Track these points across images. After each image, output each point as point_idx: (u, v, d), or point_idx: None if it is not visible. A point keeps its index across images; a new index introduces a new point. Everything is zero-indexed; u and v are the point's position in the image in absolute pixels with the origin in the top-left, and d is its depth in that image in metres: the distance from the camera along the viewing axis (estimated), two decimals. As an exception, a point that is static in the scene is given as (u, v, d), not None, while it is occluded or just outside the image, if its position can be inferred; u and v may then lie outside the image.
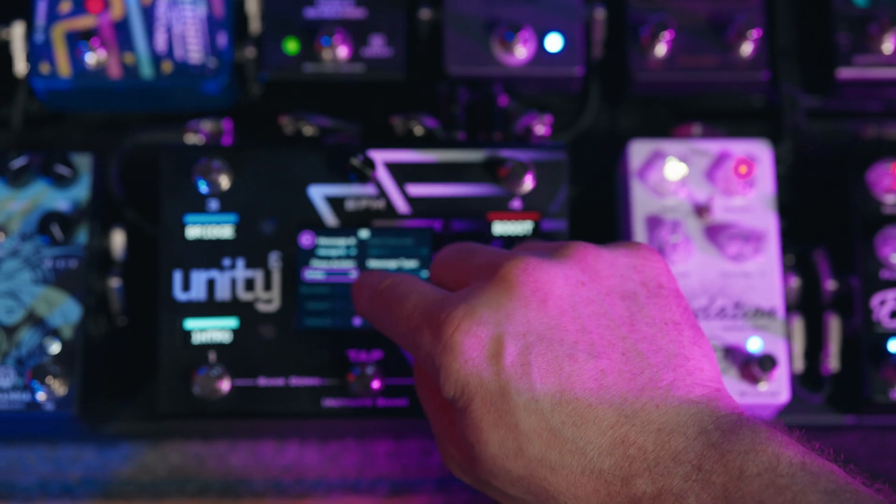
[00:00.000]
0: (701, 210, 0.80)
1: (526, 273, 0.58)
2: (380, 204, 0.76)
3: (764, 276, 0.79)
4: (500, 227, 0.76)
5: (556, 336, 0.57)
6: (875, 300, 0.79)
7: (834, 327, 0.81)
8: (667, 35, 0.83)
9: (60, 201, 0.79)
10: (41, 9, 0.85)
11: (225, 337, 0.75)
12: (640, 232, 0.80)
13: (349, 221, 0.76)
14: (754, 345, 0.78)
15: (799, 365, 0.82)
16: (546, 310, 0.58)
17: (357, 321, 0.75)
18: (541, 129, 0.81)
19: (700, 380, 0.57)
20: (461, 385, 0.57)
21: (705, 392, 0.57)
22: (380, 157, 0.76)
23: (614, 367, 0.57)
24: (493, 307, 0.58)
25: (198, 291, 0.75)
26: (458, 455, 0.61)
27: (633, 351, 0.57)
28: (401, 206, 0.76)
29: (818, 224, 0.86)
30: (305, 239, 0.76)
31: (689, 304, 0.62)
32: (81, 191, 0.79)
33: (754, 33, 0.83)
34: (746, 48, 0.84)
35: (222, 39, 0.85)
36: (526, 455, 0.56)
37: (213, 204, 0.76)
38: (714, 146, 0.81)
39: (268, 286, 0.75)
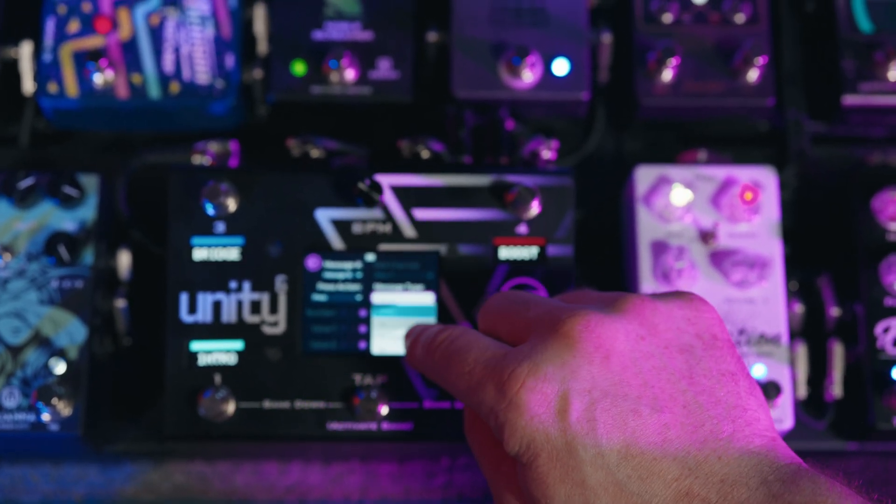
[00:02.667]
0: (706, 236, 0.80)
1: (588, 329, 0.59)
2: (386, 228, 0.76)
3: (768, 302, 0.79)
4: (506, 252, 0.76)
5: (620, 391, 0.58)
6: (879, 328, 0.80)
7: (837, 354, 0.82)
8: (673, 61, 0.84)
9: (67, 222, 0.79)
10: (49, 28, 0.85)
11: (231, 359, 0.75)
12: (645, 258, 0.80)
13: (355, 245, 0.76)
14: (758, 371, 0.78)
15: (802, 391, 0.82)
16: (609, 366, 0.58)
17: (363, 345, 0.75)
18: (547, 153, 0.81)
19: (758, 430, 0.58)
20: (527, 441, 0.58)
21: (764, 442, 0.58)
22: (386, 181, 0.76)
23: (677, 421, 0.57)
24: (557, 364, 0.58)
25: (204, 314, 0.76)
26: None
27: (693, 404, 0.58)
28: (407, 230, 0.76)
29: (823, 249, 0.86)
30: (312, 262, 0.76)
31: (740, 353, 0.62)
32: (88, 211, 0.79)
33: (760, 60, 0.84)
34: (752, 74, 0.85)
35: (230, 61, 0.85)
36: None
37: (220, 226, 0.76)
38: (719, 172, 0.82)
39: (274, 309, 0.76)
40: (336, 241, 0.76)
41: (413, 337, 0.69)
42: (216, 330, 0.75)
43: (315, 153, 0.81)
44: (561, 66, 0.85)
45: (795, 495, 0.54)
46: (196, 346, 0.75)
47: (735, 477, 0.56)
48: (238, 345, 0.75)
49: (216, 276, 0.76)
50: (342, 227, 0.76)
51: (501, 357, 0.60)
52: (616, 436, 0.57)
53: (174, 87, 0.84)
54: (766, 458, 0.57)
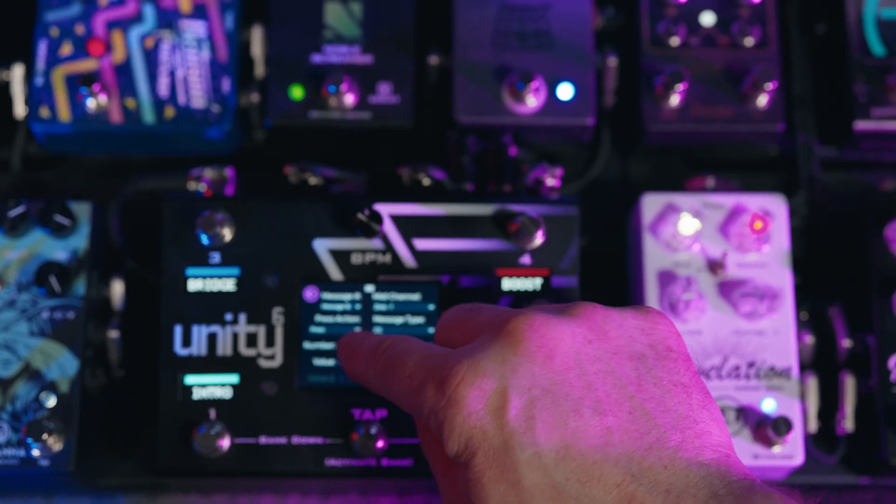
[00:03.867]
0: (714, 266, 0.78)
1: (532, 328, 0.57)
2: (386, 258, 0.74)
3: (778, 334, 0.77)
4: (509, 284, 0.74)
5: (561, 391, 0.56)
6: (892, 360, 0.78)
7: (849, 387, 0.80)
8: (681, 85, 0.82)
9: (58, 251, 0.77)
10: (41, 51, 0.83)
11: (226, 393, 0.73)
12: (652, 288, 0.78)
13: (354, 276, 0.74)
14: (768, 406, 0.76)
15: (813, 425, 0.80)
16: (552, 365, 0.56)
17: (361, 379, 0.73)
18: (551, 181, 0.79)
19: (709, 443, 0.56)
20: (464, 439, 0.56)
21: (715, 456, 0.55)
22: (386, 210, 0.74)
23: (620, 425, 0.55)
24: (497, 361, 0.57)
25: (198, 346, 0.74)
26: None
27: (640, 410, 0.56)
28: (408, 260, 0.74)
29: (834, 278, 0.84)
30: (309, 293, 0.74)
31: (697, 368, 0.60)
32: (80, 240, 0.77)
33: (770, 85, 0.82)
34: (762, 99, 0.83)
35: (226, 84, 0.83)
36: None
37: (216, 257, 0.74)
38: (728, 200, 0.80)
39: (270, 342, 0.74)
40: (334, 272, 0.74)
41: (350, 348, 0.66)
42: (211, 363, 0.74)
43: (313, 181, 0.79)
44: (565, 91, 0.83)
45: None
46: (190, 379, 0.73)
47: (682, 487, 0.53)
48: (233, 378, 0.73)
49: (211, 307, 0.74)
50: (341, 257, 0.74)
51: (443, 357, 0.59)
52: (555, 435, 0.55)
53: (169, 112, 0.82)
54: (717, 472, 0.54)
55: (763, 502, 0.52)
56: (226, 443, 0.72)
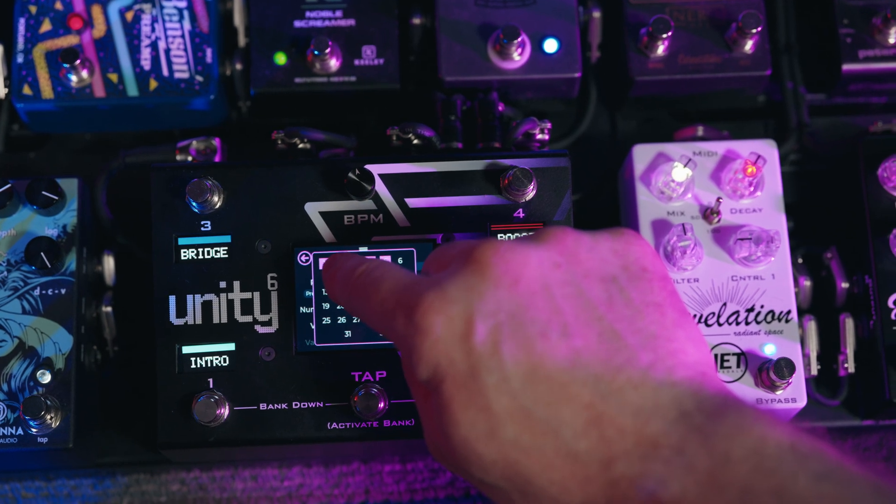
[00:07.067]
0: (708, 213, 0.78)
1: (498, 254, 0.57)
2: (379, 218, 0.74)
3: (776, 278, 0.77)
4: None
5: (527, 316, 0.55)
6: (892, 299, 0.77)
7: (849, 329, 0.79)
8: (667, 34, 0.81)
9: (47, 228, 0.76)
10: (21, 29, 0.82)
11: (223, 361, 0.73)
12: (646, 237, 0.78)
13: (348, 238, 0.74)
14: (769, 350, 0.76)
15: (814, 369, 0.79)
16: (517, 290, 0.56)
17: (359, 340, 0.73)
18: (540, 135, 0.78)
19: (682, 361, 0.55)
20: (432, 366, 0.56)
21: (688, 374, 0.55)
22: (377, 170, 0.74)
23: (589, 347, 0.55)
24: (463, 287, 0.56)
25: (193, 316, 0.73)
26: (438, 441, 0.58)
27: (609, 332, 0.55)
28: (400, 219, 0.74)
29: (827, 223, 0.84)
30: (303, 257, 0.73)
31: (675, 287, 0.60)
32: (69, 216, 0.77)
33: (755, 30, 0.81)
34: (748, 45, 0.82)
35: (209, 54, 0.82)
36: (498, 437, 0.54)
37: (207, 225, 0.73)
38: (719, 147, 0.79)
39: (266, 308, 0.73)
40: (327, 235, 0.74)
41: (331, 269, 0.65)
42: (207, 332, 0.73)
43: (301, 145, 0.79)
44: (550, 46, 0.82)
45: (719, 427, 0.52)
46: (187, 349, 0.73)
47: (651, 408, 0.53)
48: (230, 346, 0.73)
49: (204, 276, 0.73)
50: (333, 219, 0.74)
51: (413, 284, 0.58)
52: (521, 359, 0.54)
53: (152, 84, 0.81)
54: (689, 391, 0.54)
55: (734, 416, 0.52)
56: (225, 411, 0.72)
